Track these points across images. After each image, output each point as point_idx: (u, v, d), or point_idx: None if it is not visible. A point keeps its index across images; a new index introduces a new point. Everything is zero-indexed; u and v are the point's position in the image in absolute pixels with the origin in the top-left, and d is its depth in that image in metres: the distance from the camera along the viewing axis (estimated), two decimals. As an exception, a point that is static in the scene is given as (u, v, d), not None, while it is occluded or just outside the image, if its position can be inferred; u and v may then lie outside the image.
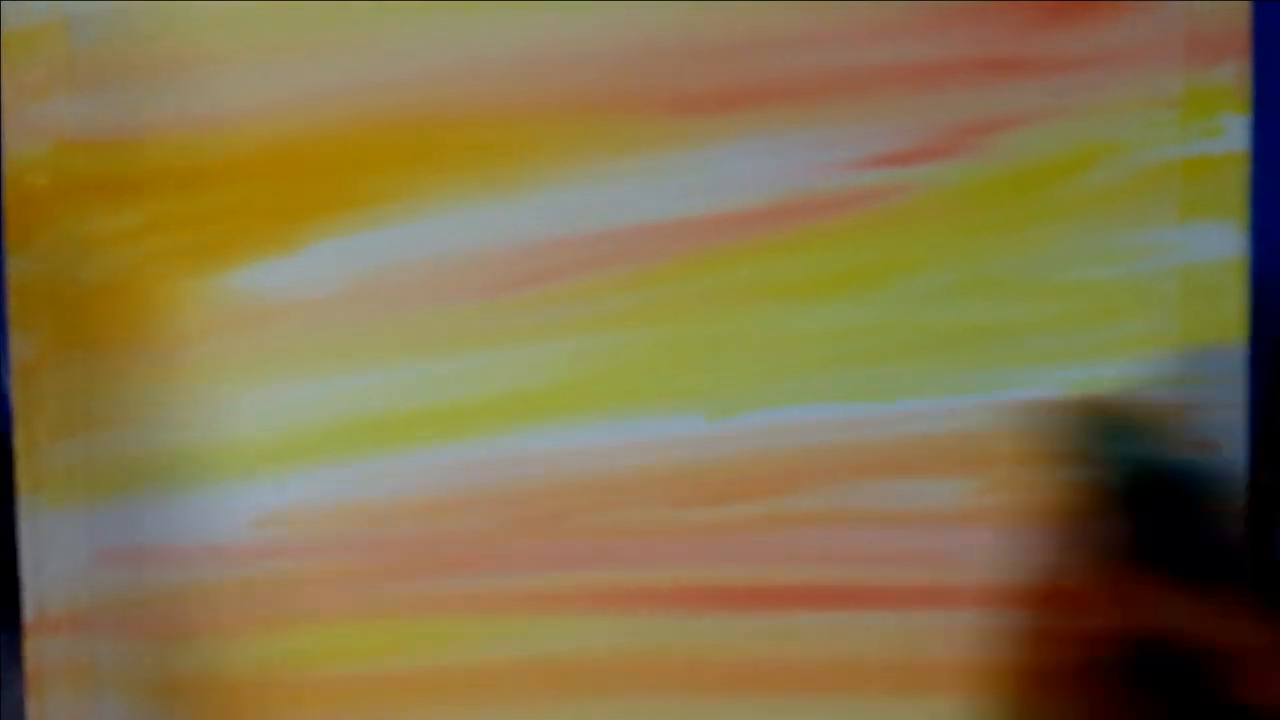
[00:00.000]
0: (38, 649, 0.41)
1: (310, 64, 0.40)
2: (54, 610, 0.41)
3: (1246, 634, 0.32)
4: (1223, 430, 0.40)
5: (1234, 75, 0.39)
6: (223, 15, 0.40)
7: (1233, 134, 0.39)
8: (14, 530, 0.41)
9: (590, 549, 0.40)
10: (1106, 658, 0.35)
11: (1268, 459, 0.40)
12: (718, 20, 0.40)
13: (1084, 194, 0.40)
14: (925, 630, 0.40)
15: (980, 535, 0.40)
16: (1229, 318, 0.39)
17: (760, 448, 0.40)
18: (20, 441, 0.40)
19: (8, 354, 0.40)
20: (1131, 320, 0.40)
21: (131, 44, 0.40)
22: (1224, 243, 0.39)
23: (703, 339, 0.40)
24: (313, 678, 0.41)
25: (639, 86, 0.40)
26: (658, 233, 0.40)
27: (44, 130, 0.40)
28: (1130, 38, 0.39)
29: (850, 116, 0.40)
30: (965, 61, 0.40)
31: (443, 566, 0.41)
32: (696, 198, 0.40)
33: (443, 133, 0.40)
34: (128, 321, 0.40)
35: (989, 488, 0.40)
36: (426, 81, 0.40)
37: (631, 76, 0.40)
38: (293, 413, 0.40)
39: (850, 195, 0.40)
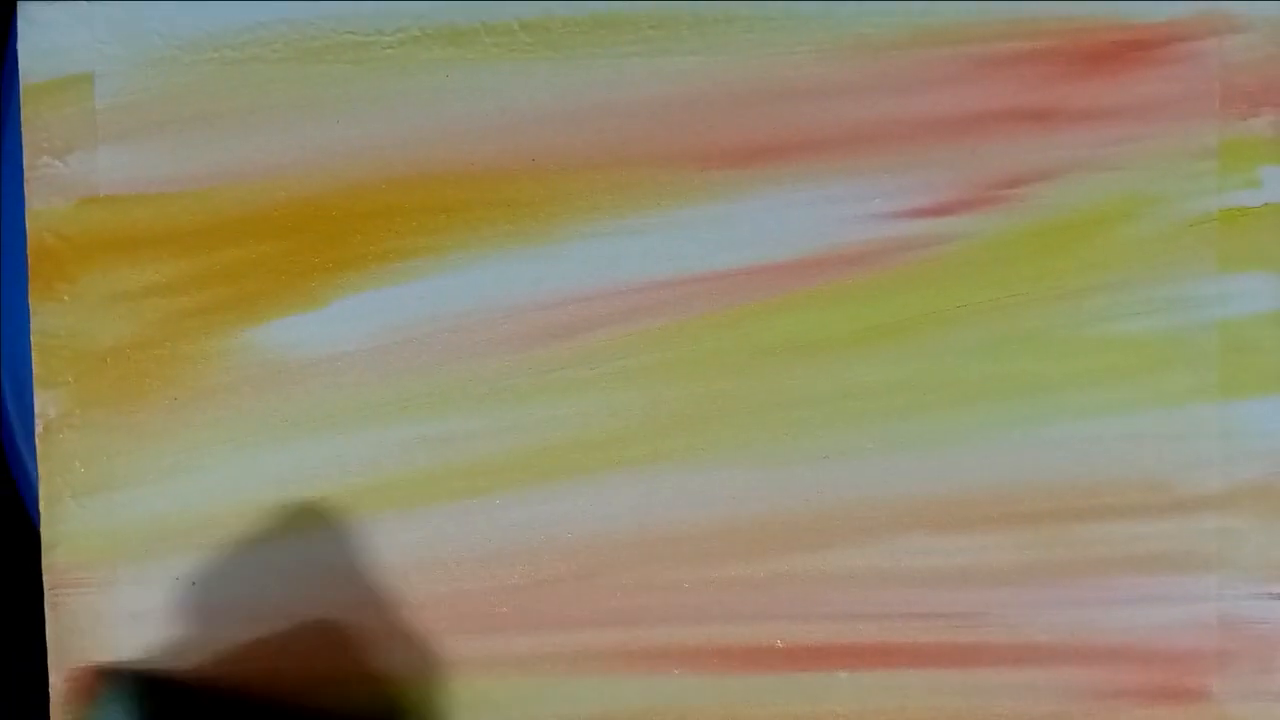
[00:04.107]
0: (62, 714, 0.40)
1: (336, 118, 0.39)
2: (79, 673, 0.40)
3: None
4: (1263, 487, 0.39)
5: (1271, 127, 0.39)
6: (247, 70, 0.39)
7: (1271, 185, 0.39)
8: (38, 590, 0.40)
9: (621, 607, 0.40)
10: None
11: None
12: (749, 72, 0.39)
13: (1121, 246, 0.39)
14: (960, 689, 0.40)
15: (1015, 592, 0.40)
16: (1270, 371, 0.39)
17: (792, 503, 0.40)
18: (44, 501, 0.40)
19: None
20: (1170, 374, 0.39)
21: (155, 99, 0.39)
22: (1264, 295, 0.39)
23: (733, 394, 0.40)
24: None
25: (669, 139, 0.39)
26: (688, 286, 0.40)
27: (66, 186, 0.39)
28: (1166, 89, 0.39)
29: (884, 168, 0.39)
30: (1000, 113, 0.39)
31: (470, 625, 0.40)
32: (728, 251, 0.40)
33: (471, 186, 0.39)
34: (152, 379, 0.40)
35: (1024, 544, 0.40)
36: (452, 135, 0.39)
37: (661, 129, 0.39)
38: (318, 470, 0.40)
39: (885, 248, 0.39)
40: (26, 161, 0.39)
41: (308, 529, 0.40)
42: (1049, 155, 0.39)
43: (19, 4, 0.39)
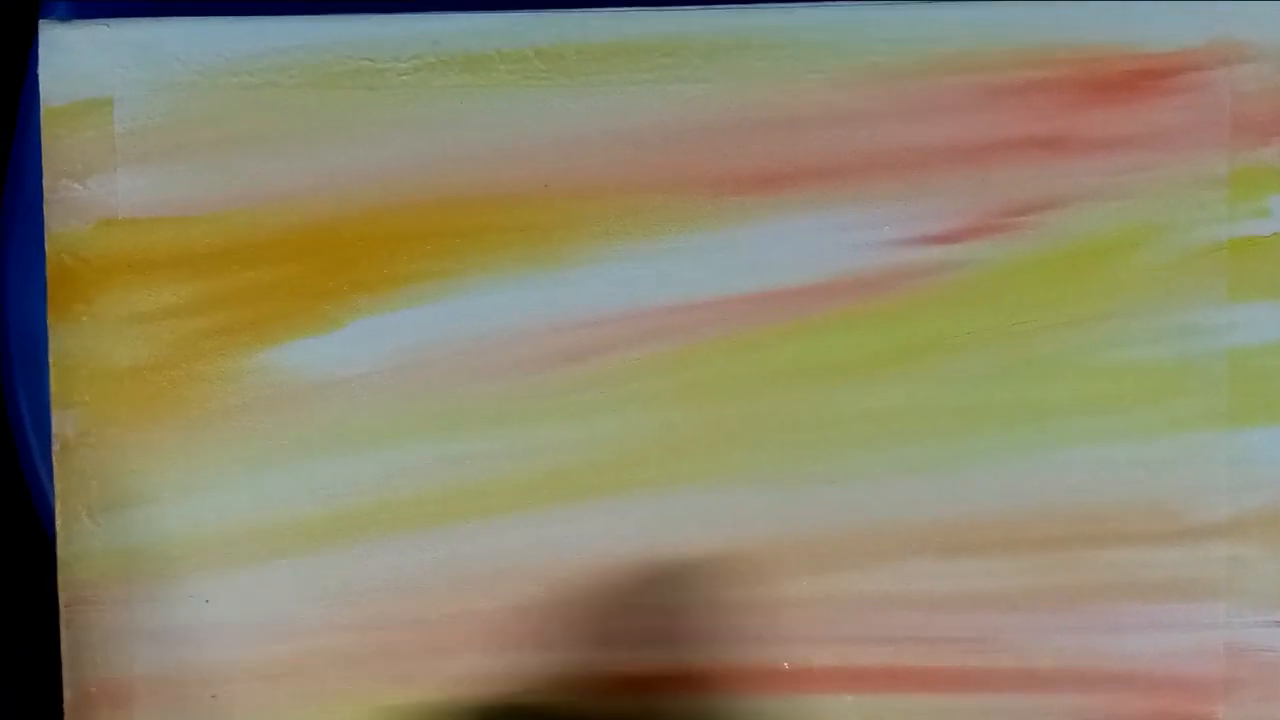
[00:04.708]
0: (76, 727, 0.41)
1: (352, 143, 0.40)
2: (93, 689, 0.40)
3: None
4: (1271, 515, 0.39)
5: (1282, 156, 0.39)
6: (265, 95, 0.40)
7: (1281, 215, 0.39)
8: (53, 608, 0.40)
9: (630, 628, 0.40)
10: None
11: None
12: (761, 100, 0.39)
13: (1131, 274, 0.39)
14: (967, 714, 0.40)
15: (1023, 618, 0.40)
16: (1279, 400, 0.39)
17: (801, 527, 0.40)
18: (60, 519, 0.40)
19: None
20: (1180, 402, 0.39)
21: (174, 123, 0.40)
22: (1274, 324, 0.39)
23: (744, 418, 0.40)
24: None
25: (681, 165, 0.40)
26: (700, 311, 0.40)
27: (86, 208, 0.40)
28: (1177, 118, 0.39)
29: (895, 195, 0.40)
30: (1011, 141, 0.39)
31: (481, 645, 0.40)
32: (740, 277, 0.40)
33: (484, 211, 0.40)
34: (168, 399, 0.40)
35: (1032, 569, 0.40)
36: (466, 160, 0.40)
37: (674, 155, 0.40)
38: (332, 490, 0.40)
39: (895, 274, 0.40)
40: (46, 184, 0.40)
41: (321, 549, 0.40)
42: (1060, 183, 0.39)
43: (41, 28, 0.40)
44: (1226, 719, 0.40)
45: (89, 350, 0.40)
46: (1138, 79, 0.39)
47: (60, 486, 0.40)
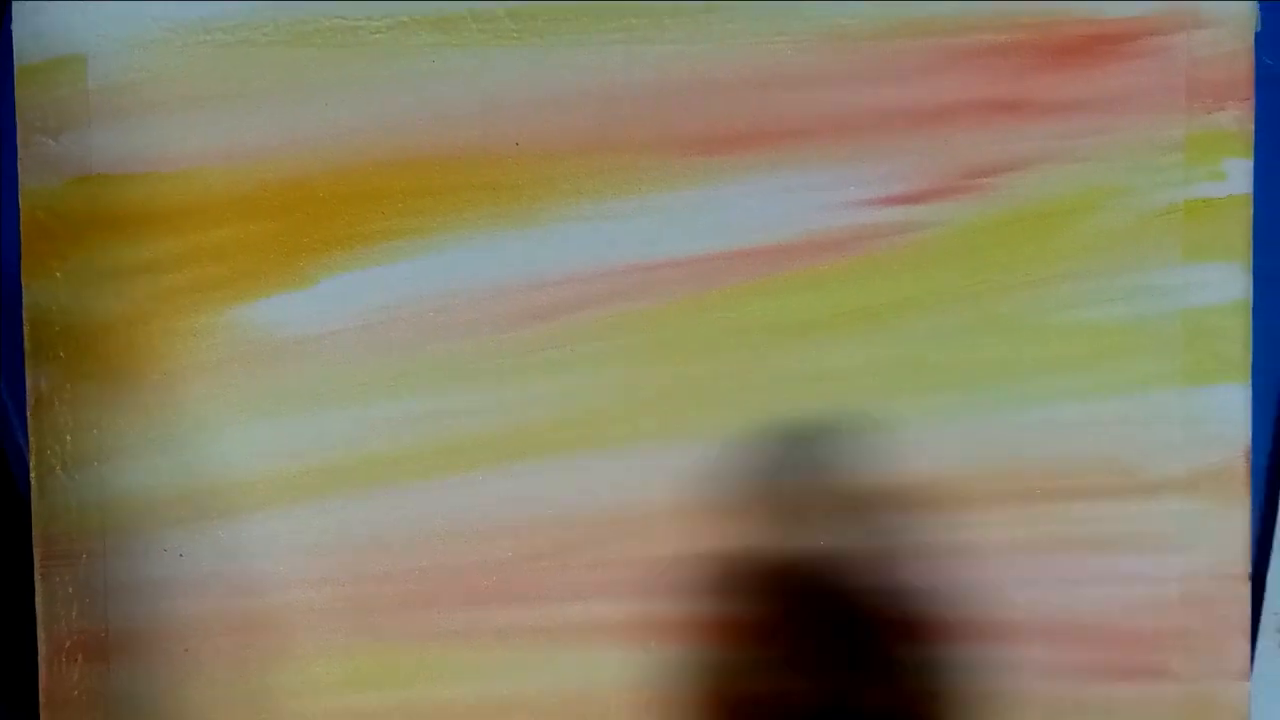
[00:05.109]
0: (50, 681, 0.41)
1: (325, 101, 0.40)
2: (68, 642, 0.41)
3: None
4: (1224, 471, 0.40)
5: (1235, 121, 0.40)
6: (238, 53, 0.40)
7: (1235, 178, 0.40)
8: (28, 562, 0.41)
9: (599, 581, 0.41)
10: None
11: (1270, 500, 0.41)
12: (729, 61, 0.40)
13: (1089, 236, 0.40)
14: (927, 665, 0.41)
15: (984, 571, 0.41)
16: (1232, 359, 0.40)
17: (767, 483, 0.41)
18: (35, 474, 0.41)
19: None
20: (1135, 361, 0.40)
21: (148, 80, 0.40)
22: (1227, 285, 0.40)
23: (711, 376, 0.41)
24: (323, 709, 0.41)
25: (650, 125, 0.40)
26: (668, 270, 0.41)
27: (59, 164, 0.40)
28: (1134, 83, 0.40)
29: (860, 157, 0.40)
30: (973, 104, 0.40)
31: (453, 598, 0.41)
32: (707, 236, 0.41)
33: (456, 170, 0.40)
34: (142, 355, 0.41)
35: (992, 524, 0.41)
36: (438, 119, 0.40)
37: (643, 115, 0.40)
38: (305, 445, 0.41)
39: (859, 234, 0.40)
40: (21, 140, 0.40)
41: (294, 504, 0.41)
42: (1020, 146, 0.40)
43: (15, -14, 0.40)
44: (1180, 670, 0.41)
45: (63, 306, 0.40)
46: (1096, 44, 0.40)
47: (34, 441, 0.41)
